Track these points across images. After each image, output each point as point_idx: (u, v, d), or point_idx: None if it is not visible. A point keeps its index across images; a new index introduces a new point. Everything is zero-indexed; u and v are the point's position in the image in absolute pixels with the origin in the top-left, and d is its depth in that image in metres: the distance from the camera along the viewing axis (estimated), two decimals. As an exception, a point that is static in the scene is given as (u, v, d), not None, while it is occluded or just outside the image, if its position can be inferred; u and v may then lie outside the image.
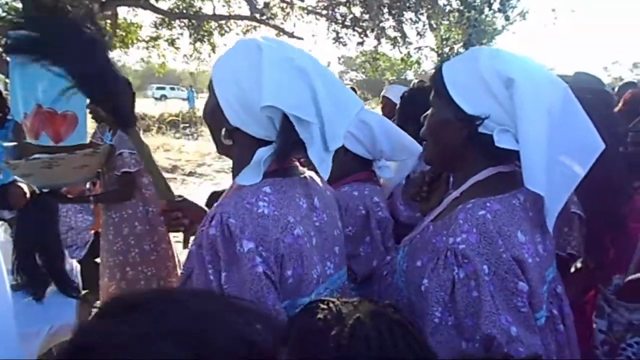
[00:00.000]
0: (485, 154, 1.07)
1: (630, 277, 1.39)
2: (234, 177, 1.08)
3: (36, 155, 2.60)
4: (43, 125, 3.86)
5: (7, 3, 8.93)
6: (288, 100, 0.93)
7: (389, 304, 0.82)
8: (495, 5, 8.34)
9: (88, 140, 3.05)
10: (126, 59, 13.74)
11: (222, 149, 1.11)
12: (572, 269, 1.53)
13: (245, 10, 10.24)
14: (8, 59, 6.45)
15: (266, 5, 9.11)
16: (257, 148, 1.00)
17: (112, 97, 1.26)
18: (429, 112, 1.16)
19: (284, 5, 9.52)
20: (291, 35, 9.38)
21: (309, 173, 1.16)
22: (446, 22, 9.70)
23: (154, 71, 15.38)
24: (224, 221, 0.93)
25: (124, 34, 10.51)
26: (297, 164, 1.16)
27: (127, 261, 2.98)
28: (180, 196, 1.34)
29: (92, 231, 3.73)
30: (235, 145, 1.06)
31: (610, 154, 1.07)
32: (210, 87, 1.07)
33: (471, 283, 0.94)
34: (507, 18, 9.54)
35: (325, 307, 0.78)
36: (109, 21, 9.25)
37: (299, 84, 0.97)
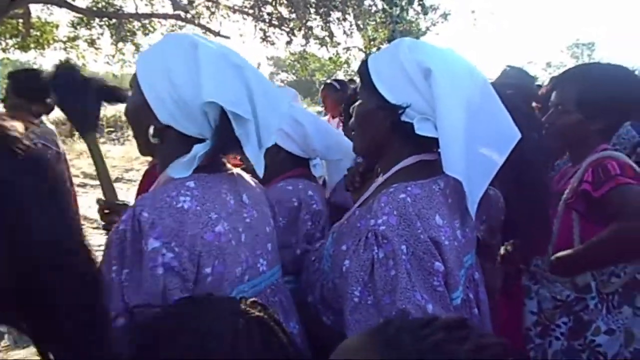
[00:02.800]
0: (408, 142, 1.11)
1: (558, 254, 1.47)
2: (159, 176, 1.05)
3: None
4: None
5: None
6: (227, 96, 0.93)
7: (257, 303, 0.82)
8: (416, 4, 8.63)
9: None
10: (42, 60, 12.93)
11: (146, 149, 1.07)
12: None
13: (170, 9, 9.94)
14: None
15: (190, 2, 8.89)
16: (187, 146, 0.98)
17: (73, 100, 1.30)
18: (355, 104, 1.19)
19: (210, 4, 9.33)
20: (217, 34, 9.21)
21: (236, 170, 1.15)
22: (372, 22, 9.92)
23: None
24: (137, 215, 0.91)
25: (38, 33, 9.89)
26: (224, 160, 1.14)
27: None
28: (122, 201, 1.40)
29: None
30: (163, 144, 1.02)
31: (527, 143, 1.13)
32: (135, 84, 1.03)
33: (389, 262, 0.97)
34: (425, 12, 9.86)
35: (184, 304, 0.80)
36: (20, 20, 8.69)
37: (235, 80, 0.97)
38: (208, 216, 0.97)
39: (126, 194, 8.30)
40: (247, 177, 1.17)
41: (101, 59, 11.68)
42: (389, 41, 9.49)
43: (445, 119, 1.00)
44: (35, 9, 8.85)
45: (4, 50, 10.27)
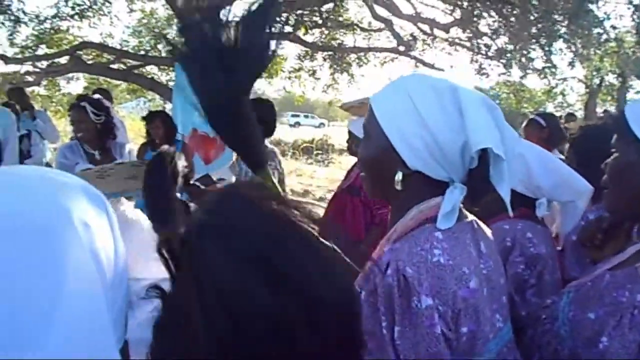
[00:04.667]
0: None
1: None
2: (394, 220, 1.02)
3: (89, 166, 2.86)
4: (196, 147, 4.21)
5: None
6: (493, 139, 0.90)
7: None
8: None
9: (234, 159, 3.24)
10: (267, 87, 14.63)
11: (384, 193, 1.04)
12: None
13: (384, 42, 10.38)
14: (170, 86, 7.22)
15: (413, 37, 9.13)
16: (432, 190, 0.95)
17: (242, 139, 1.18)
18: (610, 158, 1.11)
19: (426, 37, 9.46)
20: (432, 66, 9.25)
21: (472, 216, 1.06)
22: (600, 52, 8.96)
23: (291, 100, 16.15)
24: (400, 270, 0.87)
25: (270, 65, 11.20)
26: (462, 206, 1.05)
27: None
28: None
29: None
30: (406, 189, 0.98)
31: None
32: (373, 127, 1.00)
33: None
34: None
35: None
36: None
37: (491, 122, 0.93)
38: (461, 270, 0.90)
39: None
40: (481, 223, 1.08)
41: (318, 88, 12.82)
42: (618, 73, 8.42)
43: None
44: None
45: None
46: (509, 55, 8.61)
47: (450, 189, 0.93)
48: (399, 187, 0.97)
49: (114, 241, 0.51)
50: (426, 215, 0.96)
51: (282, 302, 0.41)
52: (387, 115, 0.97)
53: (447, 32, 9.07)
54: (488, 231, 1.10)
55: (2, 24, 8.89)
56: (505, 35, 8.42)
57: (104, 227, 0.50)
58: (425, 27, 9.33)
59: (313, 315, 0.42)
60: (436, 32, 9.36)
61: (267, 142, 3.31)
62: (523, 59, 8.48)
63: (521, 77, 9.28)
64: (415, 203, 0.97)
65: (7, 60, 8.73)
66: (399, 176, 0.97)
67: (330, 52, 10.50)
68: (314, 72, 11.70)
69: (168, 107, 12.38)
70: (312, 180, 12.10)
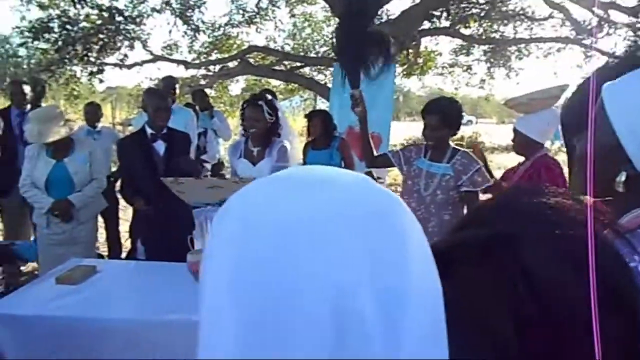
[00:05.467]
0: None
1: None
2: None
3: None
4: (352, 144, 4.34)
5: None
6: None
7: None
8: None
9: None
10: (410, 84, 14.37)
11: (602, 193, 0.95)
12: None
13: (549, 32, 9.53)
14: (329, 85, 7.51)
15: (598, 21, 8.23)
16: None
17: None
18: None
19: (603, 22, 8.46)
20: (611, 55, 8.25)
21: None
22: None
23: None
24: None
25: (422, 62, 11.01)
26: None
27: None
28: None
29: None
30: (629, 191, 0.89)
31: None
32: (601, 118, 0.91)
33: None
34: None
35: None
36: (410, 50, 9.85)
37: None
38: None
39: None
40: None
41: (471, 83, 12.26)
42: None
43: None
44: (424, 40, 9.86)
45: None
46: None
47: None
48: (620, 188, 0.89)
49: None
50: None
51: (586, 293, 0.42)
52: (620, 110, 0.88)
53: (636, 16, 7.96)
54: None
55: (185, 33, 10.10)
56: None
57: None
58: (600, 13, 8.34)
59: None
60: (615, 16, 8.31)
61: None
62: None
63: None
64: (636, 206, 0.87)
65: (187, 65, 9.89)
66: (622, 177, 0.88)
67: (489, 45, 9.96)
68: (469, 67, 11.23)
69: (320, 105, 12.95)
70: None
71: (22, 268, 4.30)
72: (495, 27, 9.91)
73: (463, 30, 9.38)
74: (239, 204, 0.44)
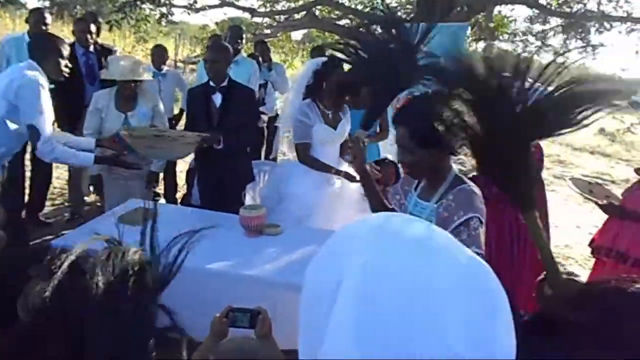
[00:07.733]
0: None
1: None
2: None
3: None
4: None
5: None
6: None
7: None
8: None
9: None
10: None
11: None
12: None
13: (638, 12, 8.79)
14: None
15: None
16: None
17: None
18: None
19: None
20: None
21: None
22: None
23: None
24: None
25: (494, 26, 10.46)
26: None
27: None
28: None
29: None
30: None
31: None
32: None
33: None
34: None
35: None
36: (482, 13, 9.36)
37: None
38: None
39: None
40: None
41: (546, 55, 11.59)
42: None
43: None
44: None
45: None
46: None
47: None
48: None
49: None
50: None
51: None
52: None
53: None
54: None
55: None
56: None
57: None
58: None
59: None
60: None
61: None
62: None
63: None
64: None
65: (253, 13, 9.86)
66: None
67: (565, 19, 9.33)
68: (545, 37, 10.61)
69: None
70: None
71: (85, 198, 4.62)
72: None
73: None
74: (360, 268, 0.50)
